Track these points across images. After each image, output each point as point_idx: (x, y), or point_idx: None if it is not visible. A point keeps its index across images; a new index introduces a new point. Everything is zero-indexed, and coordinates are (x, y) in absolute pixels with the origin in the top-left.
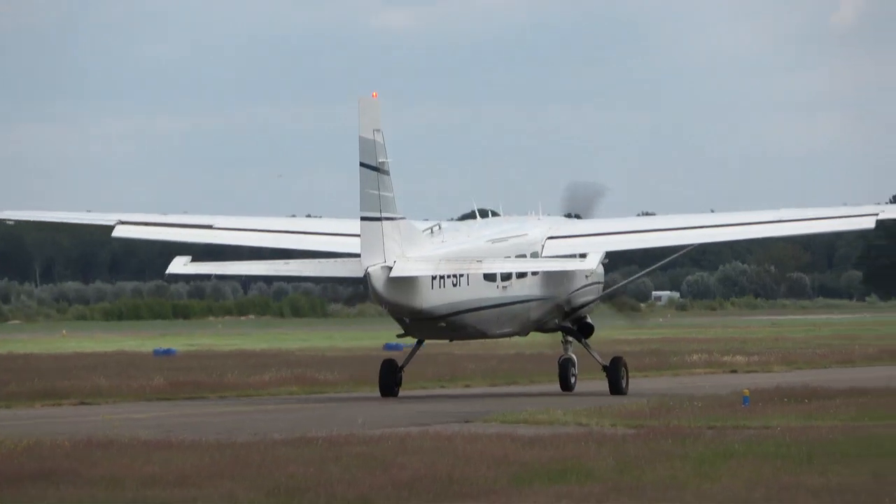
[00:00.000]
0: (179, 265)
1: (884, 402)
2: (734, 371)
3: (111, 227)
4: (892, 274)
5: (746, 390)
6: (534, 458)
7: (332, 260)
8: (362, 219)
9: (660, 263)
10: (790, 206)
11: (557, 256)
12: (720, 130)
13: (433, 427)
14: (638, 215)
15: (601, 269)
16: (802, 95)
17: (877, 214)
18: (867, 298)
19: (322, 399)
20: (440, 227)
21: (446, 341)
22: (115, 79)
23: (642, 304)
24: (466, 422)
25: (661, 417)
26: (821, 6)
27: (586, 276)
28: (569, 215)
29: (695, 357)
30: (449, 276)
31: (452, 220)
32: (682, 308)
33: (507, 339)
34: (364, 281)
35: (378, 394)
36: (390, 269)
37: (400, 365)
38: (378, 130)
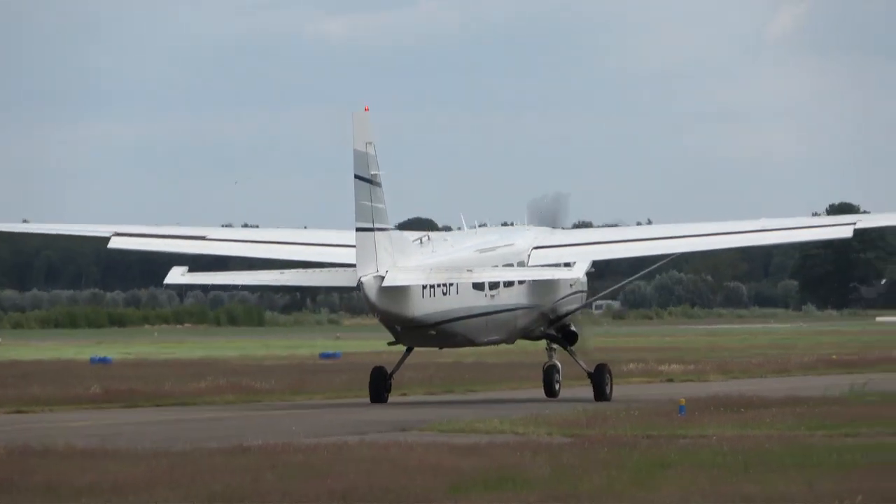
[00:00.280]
0: (177, 275)
1: (819, 411)
2: (670, 380)
3: (107, 239)
4: (828, 283)
5: (682, 399)
6: (470, 467)
7: (326, 270)
8: (356, 230)
9: (642, 273)
10: (724, 216)
11: (544, 266)
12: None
13: (370, 436)
14: (575, 225)
15: (584, 278)
16: (738, 105)
17: (854, 224)
18: (803, 307)
19: (258, 408)
20: (429, 237)
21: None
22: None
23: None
24: (403, 430)
25: (597, 426)
26: (763, 15)
27: (570, 285)
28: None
29: (631, 366)
30: (439, 286)
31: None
32: (618, 317)
33: (444, 348)
34: (357, 290)
35: (362, 400)
36: (383, 278)
37: (389, 372)
38: (370, 143)
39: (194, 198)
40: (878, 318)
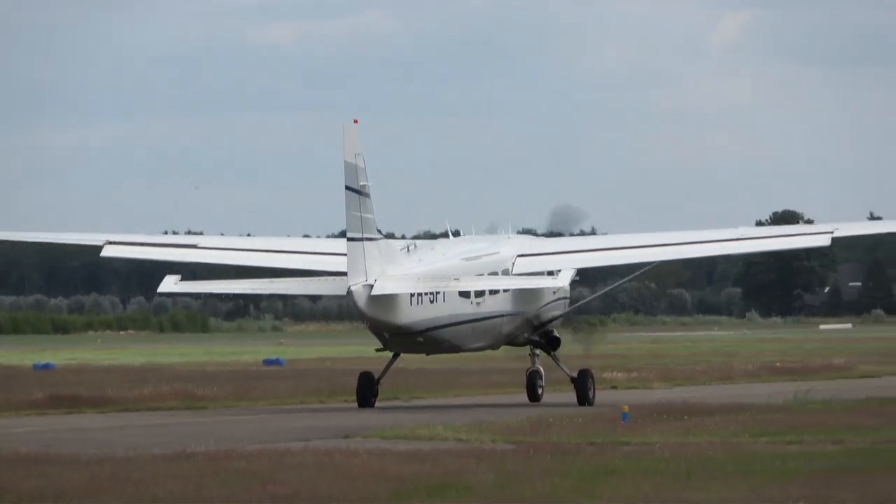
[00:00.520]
0: (170, 284)
1: (762, 418)
2: (614, 387)
3: (100, 248)
4: (772, 291)
5: (626, 407)
6: (413, 474)
7: (316, 279)
8: (347, 239)
9: (622, 280)
10: (665, 224)
11: (528, 274)
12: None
13: (313, 442)
14: (521, 231)
15: (567, 286)
16: (679, 111)
17: (832, 232)
18: (747, 315)
19: (201, 414)
20: (415, 246)
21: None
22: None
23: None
24: (346, 437)
25: (540, 433)
26: (706, 22)
27: (553, 293)
28: (551, 233)
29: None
30: (427, 294)
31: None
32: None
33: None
34: (347, 298)
35: (354, 404)
36: (372, 287)
37: (377, 378)
38: (359, 155)
39: (166, 205)
40: (822, 326)
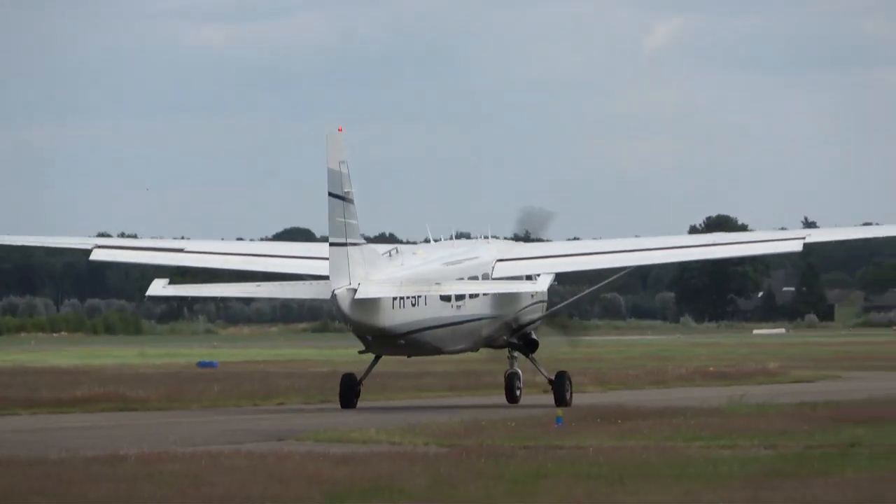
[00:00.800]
0: (158, 287)
1: (696, 422)
2: (546, 392)
3: (89, 251)
4: (706, 295)
5: (560, 410)
6: (346, 477)
7: (301, 283)
8: (330, 244)
9: (600, 285)
10: (601, 231)
11: (507, 278)
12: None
13: (246, 445)
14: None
15: (545, 290)
16: (615, 118)
17: (804, 238)
18: (681, 319)
19: (134, 416)
20: (398, 250)
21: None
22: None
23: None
24: (280, 440)
25: (474, 436)
26: (639, 28)
27: (532, 296)
28: (518, 237)
29: None
30: (409, 298)
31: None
32: None
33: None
34: (331, 301)
35: (334, 405)
36: (355, 291)
37: (359, 379)
38: (343, 162)
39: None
40: (756, 331)
